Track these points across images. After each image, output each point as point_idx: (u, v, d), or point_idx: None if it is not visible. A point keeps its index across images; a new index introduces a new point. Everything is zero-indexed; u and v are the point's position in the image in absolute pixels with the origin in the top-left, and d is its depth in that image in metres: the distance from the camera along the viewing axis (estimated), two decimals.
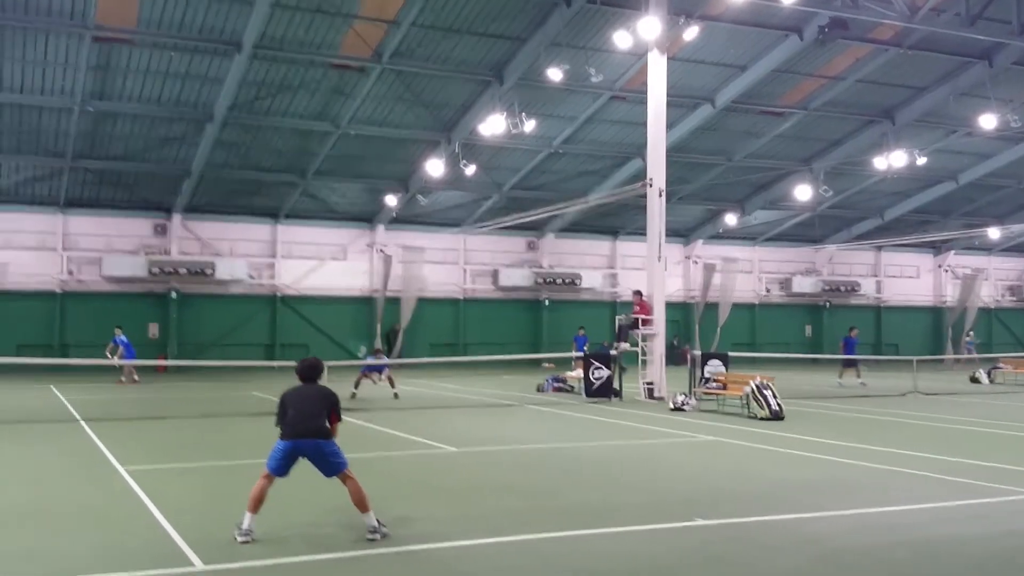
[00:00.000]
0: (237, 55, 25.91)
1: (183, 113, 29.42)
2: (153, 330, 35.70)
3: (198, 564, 7.59)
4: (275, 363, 31.82)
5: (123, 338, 28.37)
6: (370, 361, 24.32)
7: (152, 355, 33.82)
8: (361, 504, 8.47)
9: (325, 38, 26.44)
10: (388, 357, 36.57)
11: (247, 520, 8.38)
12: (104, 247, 35.11)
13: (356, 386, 22.52)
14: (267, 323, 37.31)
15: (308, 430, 8.57)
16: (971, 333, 44.06)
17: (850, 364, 29.25)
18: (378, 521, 8.45)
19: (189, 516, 9.34)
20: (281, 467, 8.64)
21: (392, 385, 23.02)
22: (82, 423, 17.32)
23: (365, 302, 38.82)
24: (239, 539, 8.25)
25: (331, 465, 8.63)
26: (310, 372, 9.05)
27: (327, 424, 8.68)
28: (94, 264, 34.81)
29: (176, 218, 35.62)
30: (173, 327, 35.55)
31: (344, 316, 38.12)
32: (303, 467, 8.73)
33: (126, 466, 12.22)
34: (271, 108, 29.84)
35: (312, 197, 36.65)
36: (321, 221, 38.17)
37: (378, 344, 34.29)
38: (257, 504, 8.45)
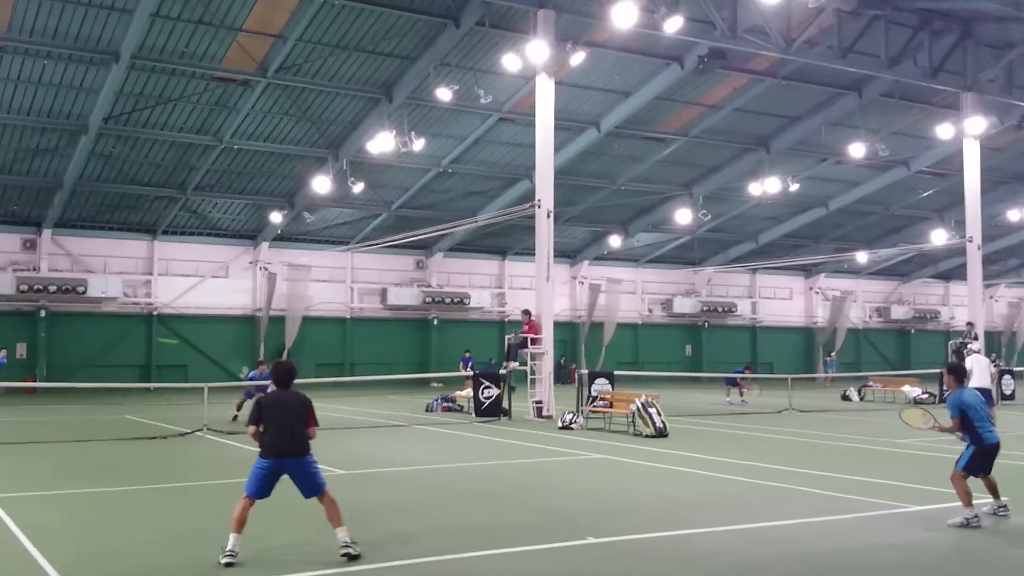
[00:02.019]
0: (114, 65, 25.08)
1: (56, 124, 28.24)
2: (21, 350, 33.98)
3: None
4: (151, 385, 30.77)
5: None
6: (253, 382, 22.27)
7: (19, 376, 32.22)
8: (336, 519, 8.35)
9: (207, 50, 25.84)
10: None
11: (231, 541, 8.10)
12: None
13: (239, 408, 21.79)
14: (143, 343, 35.98)
15: (292, 448, 8.33)
16: (832, 355, 46.00)
17: (731, 383, 30.78)
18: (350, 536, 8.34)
19: (61, 545, 8.87)
20: (263, 488, 8.34)
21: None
22: None
23: (248, 321, 37.90)
24: (223, 560, 7.98)
25: (314, 485, 8.43)
26: (287, 377, 8.71)
27: (307, 439, 8.45)
28: None
29: (46, 233, 34.08)
30: (42, 347, 33.96)
31: (226, 335, 37.12)
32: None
33: None
34: (149, 120, 28.94)
35: (193, 213, 35.63)
36: (202, 237, 37.14)
37: (261, 357, 33.08)
38: (240, 525, 8.17)
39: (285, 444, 8.32)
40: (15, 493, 11.82)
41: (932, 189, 41.37)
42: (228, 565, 7.97)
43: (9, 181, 31.38)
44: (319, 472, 8.52)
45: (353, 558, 8.20)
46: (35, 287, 33.24)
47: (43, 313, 33.98)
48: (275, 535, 9.28)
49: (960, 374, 10.66)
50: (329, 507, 8.43)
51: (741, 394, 29.68)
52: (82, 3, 23.15)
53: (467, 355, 30.24)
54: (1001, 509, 10.16)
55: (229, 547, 8.09)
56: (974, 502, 9.85)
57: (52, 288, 33.49)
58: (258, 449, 8.48)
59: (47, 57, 25.22)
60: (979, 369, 19.42)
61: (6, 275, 33.16)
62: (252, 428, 8.45)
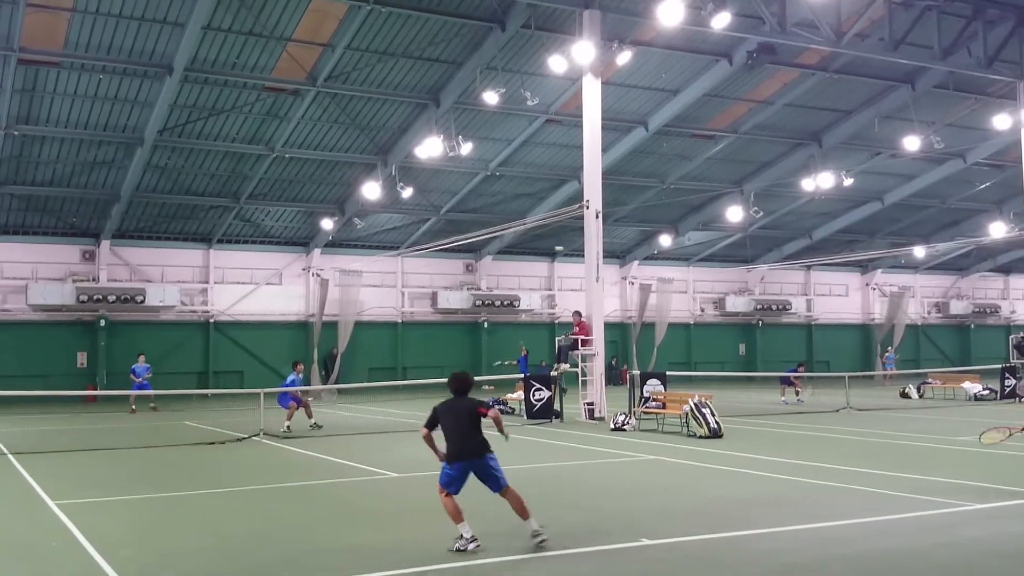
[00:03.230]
0: (168, 78, 25.53)
1: (112, 137, 28.85)
2: (81, 359, 34.74)
3: None
4: (208, 391, 31.24)
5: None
6: (291, 387, 21.77)
7: (80, 385, 32.97)
8: (523, 512, 8.97)
9: (258, 61, 26.21)
10: (326, 383, 36.18)
11: (463, 529, 8.75)
12: (30, 275, 34.13)
13: (289, 418, 21.80)
14: (200, 350, 36.59)
15: (468, 451, 9.06)
16: (890, 349, 45.13)
17: (785, 382, 30.35)
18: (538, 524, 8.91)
19: (123, 550, 9.06)
20: (455, 486, 9.09)
21: (310, 415, 21.64)
22: (9, 456, 16.74)
23: (301, 327, 38.34)
24: (469, 547, 8.62)
25: (496, 480, 9.08)
26: (461, 386, 9.43)
27: (484, 439, 9.13)
28: (20, 292, 33.78)
29: (105, 244, 34.80)
30: (102, 356, 34.62)
31: (280, 342, 37.54)
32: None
33: (56, 500, 11.83)
34: (203, 131, 29.43)
35: (246, 221, 36.16)
36: (255, 245, 37.66)
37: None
38: (459, 514, 8.87)
39: (464, 449, 9.09)
40: (78, 499, 12.10)
41: (989, 181, 40.46)
42: (476, 548, 8.66)
43: (68, 194, 32.12)
44: (499, 467, 9.13)
45: (543, 543, 8.72)
46: (95, 297, 33.94)
47: (103, 322, 34.69)
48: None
49: None
50: (513, 501, 9.03)
51: (797, 393, 29.30)
52: (135, 18, 23.62)
53: (524, 353, 30.13)
54: None
55: (468, 535, 8.74)
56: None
57: (111, 298, 34.15)
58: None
59: (102, 72, 25.78)
60: None
61: (66, 286, 33.92)
62: (424, 431, 9.38)
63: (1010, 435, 10.69)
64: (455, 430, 9.10)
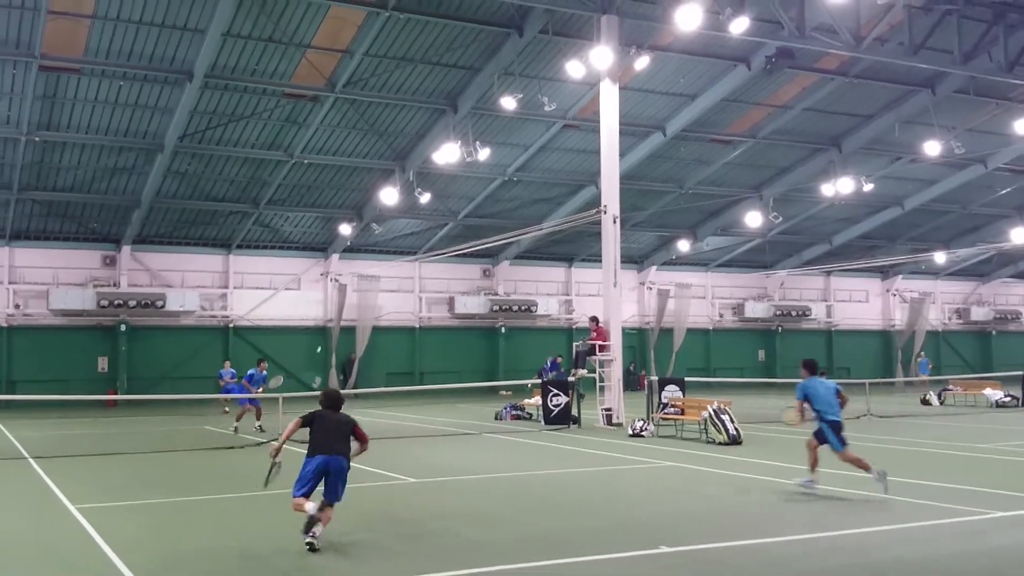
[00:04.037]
0: (188, 84, 25.67)
1: (133, 143, 29.05)
2: (102, 364, 34.98)
3: None
4: (228, 396, 31.21)
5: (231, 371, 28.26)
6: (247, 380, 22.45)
7: (101, 390, 33.19)
8: (326, 520, 9.34)
9: (277, 67, 26.33)
10: (344, 387, 36.26)
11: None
12: (51, 280, 34.40)
13: (238, 419, 22.05)
14: (219, 355, 36.67)
15: (335, 449, 9.62)
16: (922, 354, 44.74)
17: None
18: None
19: (141, 554, 9.09)
20: (308, 486, 9.47)
21: (258, 418, 22.18)
22: (30, 461, 16.86)
23: (319, 332, 38.46)
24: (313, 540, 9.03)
25: (336, 490, 9.56)
26: (335, 402, 10.03)
27: (348, 450, 9.74)
28: (41, 297, 34.08)
29: (125, 249, 35.02)
30: (122, 360, 34.85)
31: (298, 346, 37.69)
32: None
33: (76, 504, 11.89)
34: (223, 137, 29.59)
35: (265, 227, 36.33)
36: (274, 251, 37.83)
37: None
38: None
39: (331, 448, 9.63)
40: (97, 503, 12.16)
41: (1011, 186, 40.14)
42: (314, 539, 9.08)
43: (89, 200, 32.36)
44: (344, 484, 9.67)
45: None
46: (115, 302, 34.18)
47: (123, 327, 34.91)
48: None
49: (811, 367, 13.16)
50: (327, 517, 9.38)
51: None
52: (155, 24, 23.79)
53: (555, 360, 29.87)
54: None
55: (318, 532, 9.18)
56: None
57: (132, 303, 34.39)
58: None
59: (123, 78, 25.97)
60: None
61: (87, 291, 34.18)
62: (297, 420, 9.92)
63: (795, 415, 12.96)
64: (327, 433, 9.66)
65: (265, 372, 22.76)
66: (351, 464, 9.73)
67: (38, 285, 34.24)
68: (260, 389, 22.30)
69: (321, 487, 9.52)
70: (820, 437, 12.46)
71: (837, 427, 12.43)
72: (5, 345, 33.76)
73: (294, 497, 9.39)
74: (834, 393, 12.81)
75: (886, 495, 11.61)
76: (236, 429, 21.62)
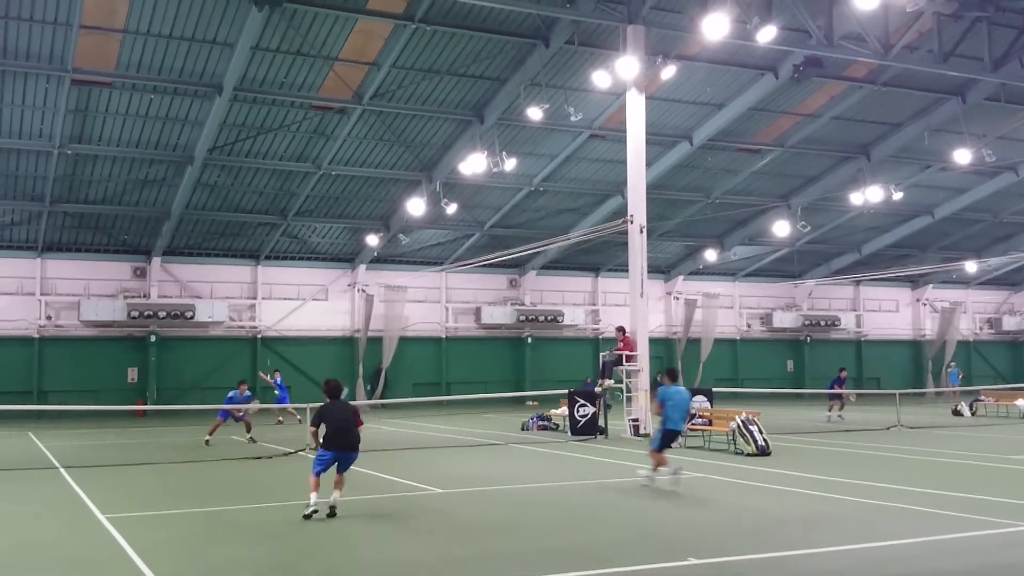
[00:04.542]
0: (217, 97, 25.92)
1: (163, 155, 29.36)
2: (132, 374, 35.31)
3: None
4: (256, 406, 31.39)
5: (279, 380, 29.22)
6: (228, 403, 22.50)
7: (131, 400, 33.50)
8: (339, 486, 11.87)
9: (306, 80, 26.53)
10: (371, 398, 36.42)
11: (313, 498, 11.54)
12: (82, 291, 34.80)
13: (211, 433, 22.23)
14: (248, 365, 36.95)
15: (347, 445, 11.92)
16: (952, 364, 44.17)
17: (835, 397, 29.47)
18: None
19: (171, 564, 9.15)
20: (322, 468, 11.86)
21: (248, 430, 22.58)
22: (61, 470, 17.04)
23: (347, 342, 38.61)
24: (310, 512, 11.36)
25: (347, 466, 12.08)
26: (335, 391, 12.29)
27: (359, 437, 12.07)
28: (72, 308, 34.47)
29: (155, 261, 35.38)
30: (152, 371, 35.16)
31: (326, 357, 37.81)
32: None
33: (106, 513, 12.00)
34: (252, 150, 29.84)
35: (293, 238, 36.56)
36: (302, 261, 38.06)
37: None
38: (316, 487, 11.71)
39: (345, 444, 11.93)
40: (127, 513, 12.26)
41: None
42: (314, 513, 11.35)
43: (119, 211, 32.71)
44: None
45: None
46: (145, 313, 34.52)
47: (153, 338, 35.24)
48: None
49: (672, 375, 15.02)
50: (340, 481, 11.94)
51: (841, 407, 28.64)
52: (185, 39, 24.06)
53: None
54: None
55: (313, 502, 11.41)
56: None
57: (161, 314, 34.71)
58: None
59: (153, 92, 26.27)
60: None
61: (118, 302, 34.53)
62: (311, 429, 12.19)
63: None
64: (337, 431, 11.82)
65: (248, 393, 23.01)
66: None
67: (70, 296, 34.65)
68: (243, 411, 22.75)
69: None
70: (660, 443, 14.35)
71: (671, 436, 14.40)
72: (37, 356, 34.16)
73: (312, 475, 11.76)
74: (687, 404, 14.62)
75: (673, 488, 13.65)
76: (207, 442, 21.82)
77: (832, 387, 29.70)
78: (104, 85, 25.77)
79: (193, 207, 32.78)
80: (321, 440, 11.90)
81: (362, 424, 12.07)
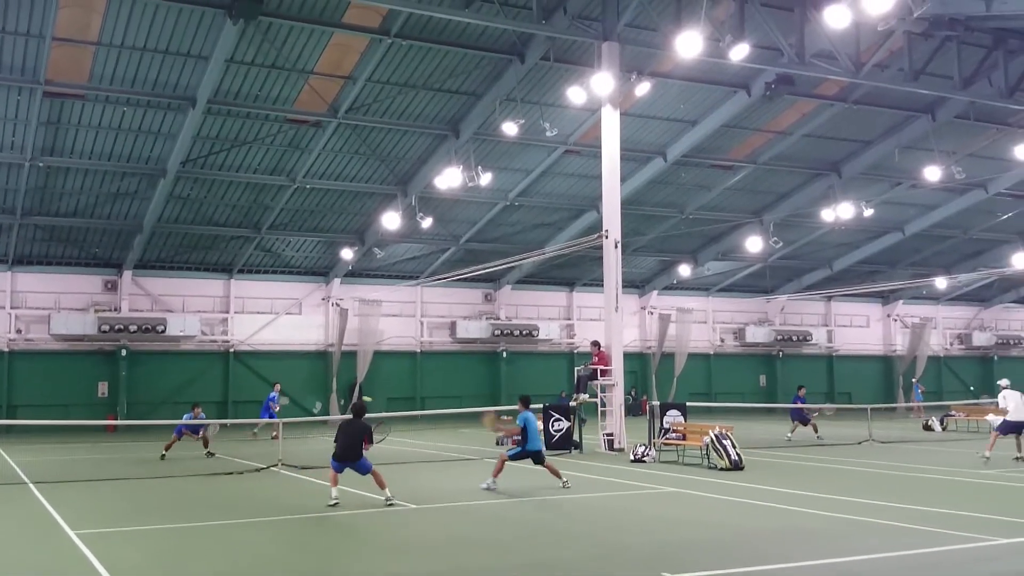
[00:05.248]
0: (191, 110, 25.80)
1: (135, 168, 29.15)
2: (102, 389, 34.94)
3: None
4: (228, 421, 31.23)
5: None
6: (186, 420, 22.49)
7: (101, 415, 33.13)
8: (381, 484, 14.00)
9: (281, 93, 26.48)
10: (345, 412, 36.18)
11: (333, 491, 13.89)
12: (52, 304, 34.43)
13: (167, 448, 22.08)
14: (220, 380, 36.71)
15: (349, 456, 14.05)
16: (914, 380, 44.49)
17: (801, 419, 27.50)
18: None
19: None
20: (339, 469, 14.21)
21: (206, 445, 22.57)
22: (30, 486, 16.81)
23: (320, 356, 38.43)
24: (332, 503, 13.59)
25: (363, 469, 14.13)
26: (359, 411, 14.68)
27: (361, 449, 14.15)
28: (42, 322, 34.10)
29: (127, 274, 35.07)
30: (123, 385, 34.80)
31: (299, 371, 37.64)
32: None
33: (76, 530, 11.85)
34: (225, 163, 29.71)
35: (267, 251, 36.39)
36: (276, 275, 37.88)
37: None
38: (335, 481, 14.08)
39: (346, 456, 14.11)
40: (98, 529, 12.11)
41: (1012, 211, 40.22)
42: (336, 504, 13.57)
43: (91, 224, 32.42)
44: (367, 464, 14.14)
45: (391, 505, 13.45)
46: (116, 327, 34.17)
47: (124, 352, 34.89)
48: None
49: (526, 402, 16.42)
50: (376, 477, 14.09)
51: (815, 428, 26.90)
52: (159, 51, 23.94)
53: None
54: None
55: (334, 495, 13.76)
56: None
57: (132, 328, 34.38)
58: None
59: (126, 104, 26.11)
60: (1013, 404, 19.78)
61: (88, 316, 34.18)
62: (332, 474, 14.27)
63: (499, 428, 17.98)
64: (343, 447, 14.05)
65: (202, 414, 22.83)
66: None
67: (40, 310, 34.28)
68: (200, 434, 22.70)
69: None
70: (515, 455, 16.04)
71: (533, 455, 15.93)
72: (6, 370, 33.75)
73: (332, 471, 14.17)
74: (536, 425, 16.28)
75: (489, 489, 15.24)
76: (163, 456, 21.75)
77: (795, 403, 28.80)
78: (77, 97, 25.59)
79: (165, 220, 32.56)
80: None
81: (370, 444, 14.13)
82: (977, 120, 32.40)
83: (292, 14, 23.44)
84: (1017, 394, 20.34)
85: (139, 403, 34.66)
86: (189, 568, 9.80)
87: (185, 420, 22.36)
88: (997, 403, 21.01)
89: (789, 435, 26.67)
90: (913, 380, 43.04)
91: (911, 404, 39.54)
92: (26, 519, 13.06)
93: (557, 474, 15.78)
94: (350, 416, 14.63)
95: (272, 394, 22.96)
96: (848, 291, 44.80)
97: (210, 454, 22.19)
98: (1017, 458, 19.88)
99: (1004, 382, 21.55)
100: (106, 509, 14.17)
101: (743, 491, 15.09)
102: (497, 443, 25.52)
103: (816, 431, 26.70)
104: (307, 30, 24.05)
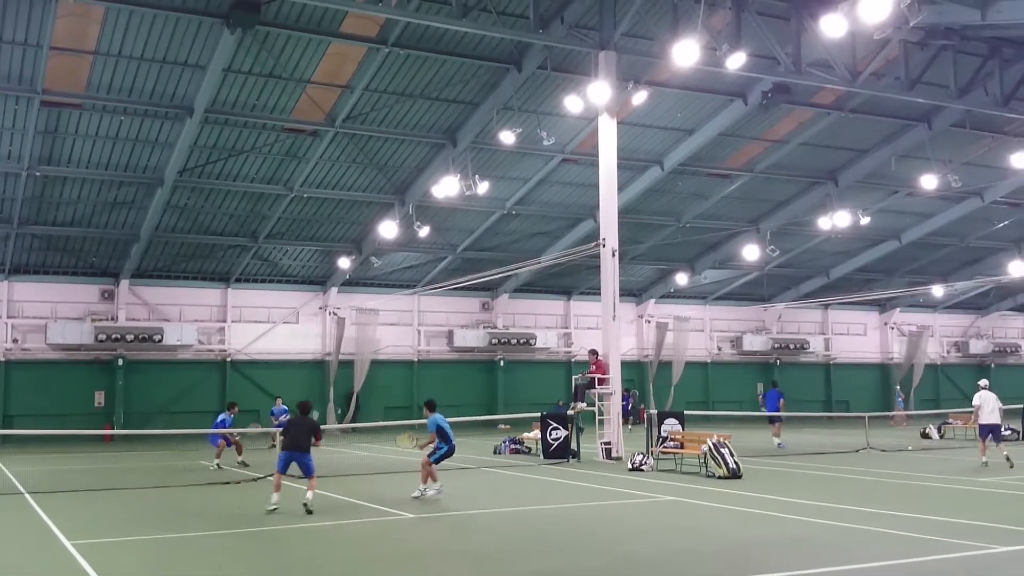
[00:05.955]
0: (188, 119, 25.82)
1: (133, 177, 29.15)
2: (99, 398, 34.88)
3: None
4: (225, 431, 31.09)
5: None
6: (222, 419, 22.66)
7: (98, 424, 33.04)
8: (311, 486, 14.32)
9: (278, 102, 26.50)
10: (342, 421, 36.19)
11: (274, 497, 14.12)
12: (49, 314, 34.38)
13: (218, 456, 22.11)
14: (217, 389, 36.62)
15: (297, 447, 14.34)
16: (897, 387, 44.34)
17: (772, 420, 27.72)
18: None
19: None
20: (282, 466, 14.37)
21: (239, 452, 22.49)
22: (27, 496, 16.74)
23: (318, 365, 38.38)
24: (270, 508, 13.99)
25: (307, 468, 14.41)
26: (305, 407, 15.02)
27: (309, 444, 14.49)
28: (39, 332, 34.05)
29: (124, 283, 35.03)
30: (120, 395, 34.75)
31: (296, 380, 37.52)
32: None
33: (72, 540, 11.80)
34: (223, 172, 29.71)
35: (264, 260, 36.37)
36: (273, 284, 37.86)
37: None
38: (278, 487, 14.24)
39: (295, 445, 14.43)
40: (94, 539, 12.07)
41: (1008, 220, 40.30)
42: (275, 510, 13.76)
43: (88, 234, 32.41)
44: (311, 464, 14.47)
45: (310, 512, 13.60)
46: (113, 336, 34.11)
47: (120, 362, 34.83)
48: None
49: (432, 406, 16.69)
50: (311, 484, 14.36)
51: (776, 433, 26.96)
52: (157, 60, 23.96)
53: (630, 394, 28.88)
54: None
55: (275, 501, 13.94)
56: None
57: (129, 337, 34.33)
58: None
59: (124, 113, 26.12)
60: (988, 407, 20.37)
61: (85, 325, 34.13)
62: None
63: (416, 443, 17.03)
64: (293, 437, 14.42)
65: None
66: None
67: (36, 319, 34.24)
68: (234, 440, 22.56)
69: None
70: (438, 458, 15.94)
71: (451, 452, 16.17)
72: (3, 379, 33.69)
73: (276, 472, 14.34)
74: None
75: (434, 495, 15.49)
76: (218, 466, 21.66)
77: (765, 405, 28.18)
78: (74, 107, 25.59)
79: (163, 229, 32.54)
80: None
81: (320, 439, 14.82)
82: (973, 128, 32.50)
83: (289, 23, 23.48)
84: (992, 396, 20.42)
85: (136, 413, 34.60)
86: None
87: (222, 419, 22.46)
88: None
89: (778, 441, 26.68)
90: (896, 387, 43.00)
91: (892, 413, 39.54)
92: (22, 529, 13.02)
93: (433, 477, 15.88)
94: (298, 414, 15.06)
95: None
96: (845, 299, 44.85)
97: (244, 463, 21.81)
98: (985, 463, 19.91)
99: (983, 382, 21.64)
100: (102, 519, 14.12)
101: (741, 500, 15.06)
102: (494, 451, 25.51)
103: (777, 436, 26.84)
104: (304, 39, 24.08)
